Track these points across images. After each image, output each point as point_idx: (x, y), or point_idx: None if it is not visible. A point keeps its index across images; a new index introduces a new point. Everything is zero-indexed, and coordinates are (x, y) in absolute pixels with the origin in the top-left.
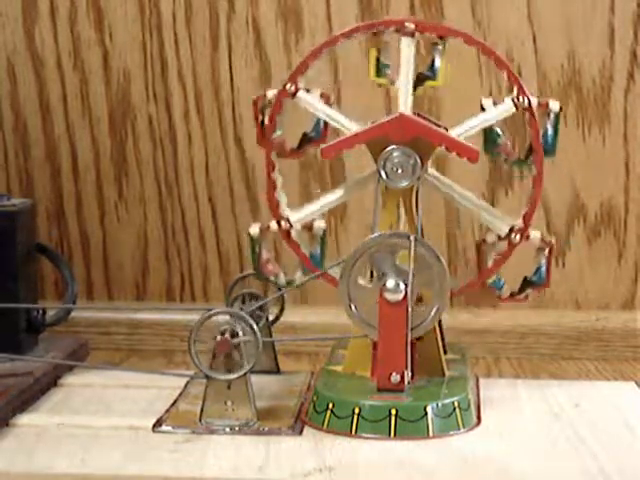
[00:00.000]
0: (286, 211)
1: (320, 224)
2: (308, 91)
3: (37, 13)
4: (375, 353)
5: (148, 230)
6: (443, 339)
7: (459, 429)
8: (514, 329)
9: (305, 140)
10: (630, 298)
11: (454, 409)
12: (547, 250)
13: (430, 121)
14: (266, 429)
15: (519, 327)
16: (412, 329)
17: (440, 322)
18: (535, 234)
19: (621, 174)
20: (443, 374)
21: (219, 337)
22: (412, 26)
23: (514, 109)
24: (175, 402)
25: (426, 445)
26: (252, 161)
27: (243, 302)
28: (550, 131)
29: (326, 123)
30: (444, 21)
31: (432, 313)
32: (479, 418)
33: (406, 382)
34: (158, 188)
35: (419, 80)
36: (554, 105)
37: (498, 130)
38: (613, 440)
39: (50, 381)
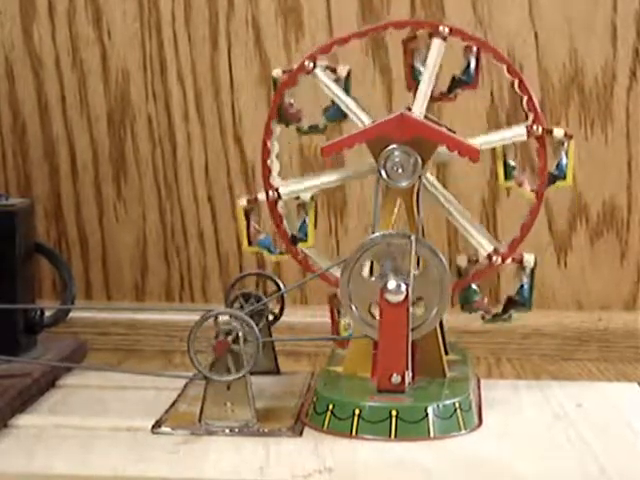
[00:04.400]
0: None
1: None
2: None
3: (35, 11)
4: (375, 354)
5: (147, 230)
6: (444, 340)
7: (460, 430)
8: (515, 330)
9: (454, 84)
10: (632, 299)
11: (455, 410)
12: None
13: (431, 120)
14: (266, 430)
15: (520, 328)
16: (413, 330)
17: (441, 323)
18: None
19: (624, 173)
20: (444, 375)
21: (218, 338)
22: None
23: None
24: (174, 403)
25: (427, 446)
26: (252, 161)
27: (243, 302)
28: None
29: (477, 69)
30: (444, 19)
31: (433, 314)
32: (480, 419)
33: (407, 383)
34: (157, 188)
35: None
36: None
37: (474, 287)
38: (615, 441)
39: (48, 382)
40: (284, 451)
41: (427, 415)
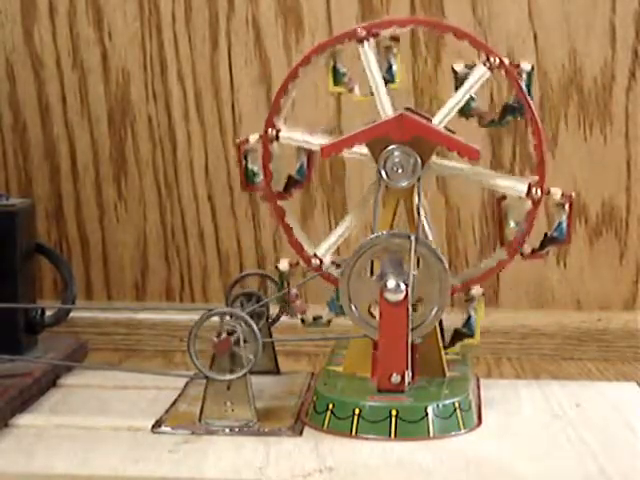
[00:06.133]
0: (280, 122)
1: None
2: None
3: (36, 12)
4: (375, 353)
5: (147, 230)
6: (444, 339)
7: (460, 430)
8: (515, 329)
9: (291, 183)
10: (631, 298)
11: (455, 410)
12: (567, 205)
13: (431, 120)
14: (266, 430)
15: (520, 327)
16: (413, 329)
17: (441, 322)
18: (555, 190)
19: (623, 174)
20: (444, 375)
21: (219, 337)
22: (364, 33)
23: (489, 72)
24: (174, 403)
25: (426, 446)
26: None
27: (243, 302)
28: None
29: (309, 165)
30: (444, 20)
31: (432, 313)
32: (480, 419)
33: (406, 383)
34: (157, 188)
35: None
36: (525, 66)
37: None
38: (614, 441)
39: (49, 382)
40: (284, 451)
41: (427, 415)
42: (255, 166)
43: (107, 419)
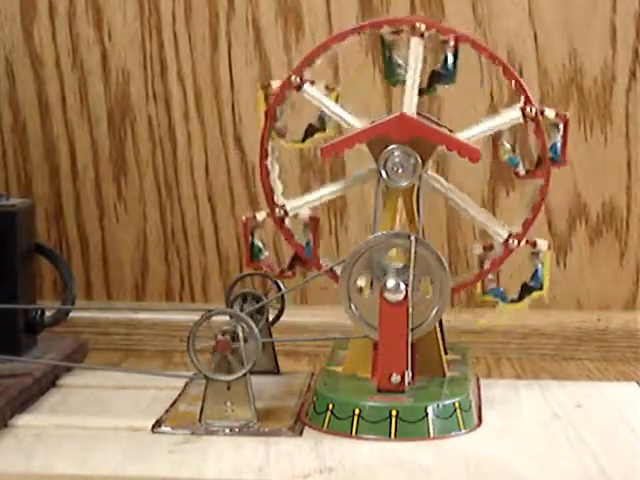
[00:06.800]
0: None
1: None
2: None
3: (36, 12)
4: (375, 354)
5: (147, 230)
6: (444, 339)
7: (460, 430)
8: (515, 329)
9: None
10: (632, 298)
11: (455, 410)
12: (562, 124)
13: (431, 120)
14: (266, 430)
15: (520, 327)
16: (412, 329)
17: (440, 322)
18: (549, 111)
19: (623, 174)
20: (444, 375)
21: (218, 338)
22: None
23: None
24: (174, 403)
25: (427, 446)
26: (252, 161)
27: (243, 302)
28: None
29: (315, 240)
30: (444, 20)
31: (432, 313)
32: (480, 419)
33: (406, 383)
34: (157, 188)
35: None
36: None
37: (398, 60)
38: (614, 441)
39: (49, 382)
40: (284, 451)
41: (427, 415)
42: (260, 243)
43: (107, 419)
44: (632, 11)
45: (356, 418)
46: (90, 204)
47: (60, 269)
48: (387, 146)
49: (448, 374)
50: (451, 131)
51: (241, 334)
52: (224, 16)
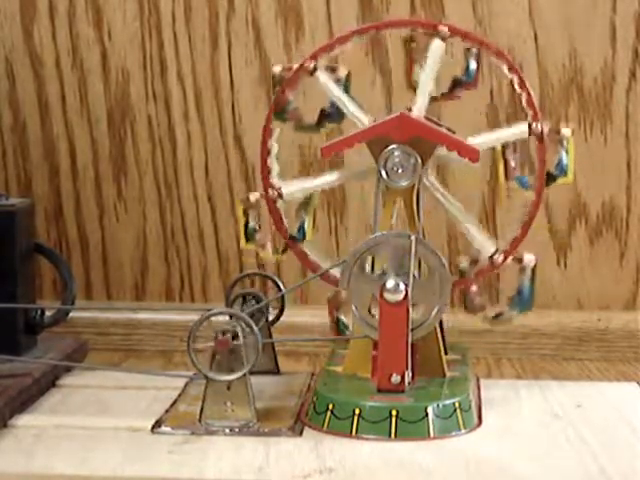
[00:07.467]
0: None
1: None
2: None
3: (35, 11)
4: (375, 354)
5: (147, 230)
6: (444, 339)
7: (460, 430)
8: (515, 329)
9: (455, 84)
10: (632, 298)
11: (455, 410)
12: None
13: (431, 121)
14: (266, 430)
15: (520, 327)
16: (413, 329)
17: (441, 322)
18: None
19: (623, 174)
20: (444, 375)
21: (218, 337)
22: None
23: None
24: (174, 403)
25: (427, 446)
26: (252, 161)
27: (243, 302)
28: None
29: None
30: (444, 19)
31: (433, 313)
32: (480, 419)
33: (406, 383)
34: (157, 188)
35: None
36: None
37: (290, 99)
38: (615, 441)
39: (49, 382)
40: (284, 451)
41: (427, 415)
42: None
43: (107, 419)
44: (632, 11)
45: (356, 418)
46: (90, 204)
47: (60, 269)
48: (387, 146)
49: (448, 374)
50: (451, 131)
51: (241, 334)
52: (224, 16)
